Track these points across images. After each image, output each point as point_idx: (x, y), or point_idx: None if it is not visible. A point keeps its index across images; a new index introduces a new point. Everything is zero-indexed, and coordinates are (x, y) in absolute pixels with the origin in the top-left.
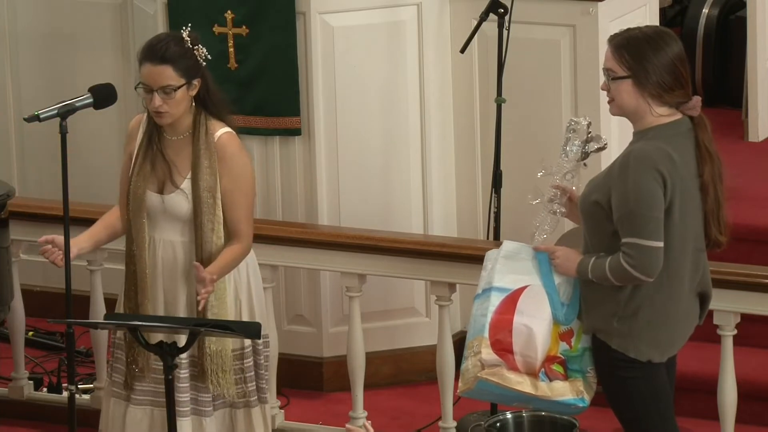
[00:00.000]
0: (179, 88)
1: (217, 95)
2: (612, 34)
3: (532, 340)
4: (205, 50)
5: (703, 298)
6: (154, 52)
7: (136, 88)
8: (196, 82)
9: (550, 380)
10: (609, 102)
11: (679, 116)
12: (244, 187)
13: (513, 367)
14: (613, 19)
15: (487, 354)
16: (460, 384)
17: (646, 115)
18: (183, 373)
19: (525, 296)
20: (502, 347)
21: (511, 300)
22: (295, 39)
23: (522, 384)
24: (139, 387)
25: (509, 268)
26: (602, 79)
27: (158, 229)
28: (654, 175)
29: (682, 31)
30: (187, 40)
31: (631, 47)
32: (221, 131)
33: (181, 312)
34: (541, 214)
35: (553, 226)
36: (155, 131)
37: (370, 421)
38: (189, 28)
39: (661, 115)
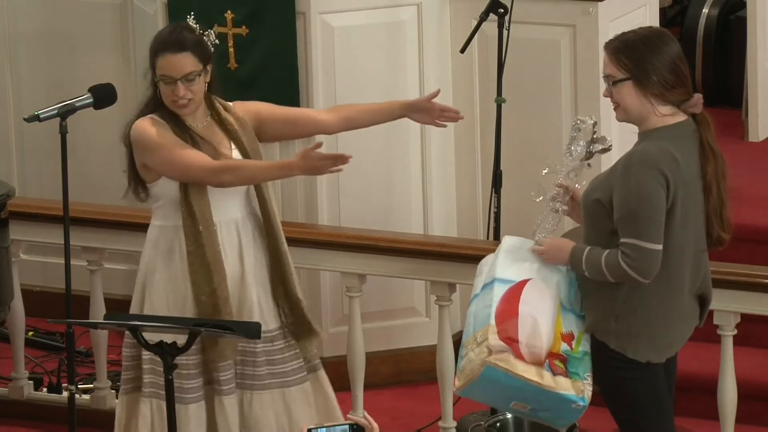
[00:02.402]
0: (200, 74)
1: (216, 79)
2: (607, 41)
3: (537, 330)
4: (213, 35)
5: (703, 301)
6: (173, 42)
7: (155, 82)
8: (209, 67)
9: (554, 374)
10: (615, 108)
11: (683, 117)
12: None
13: (519, 356)
14: (613, 19)
15: (495, 340)
16: (457, 380)
17: (650, 116)
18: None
19: (528, 288)
20: (508, 335)
21: (516, 290)
22: (295, 39)
23: (528, 372)
24: (224, 377)
25: (511, 261)
26: (602, 79)
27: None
28: (656, 176)
29: (682, 31)
30: (195, 27)
31: (627, 50)
32: (231, 103)
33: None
34: (542, 212)
35: (555, 224)
36: (179, 121)
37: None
38: (192, 16)
39: (665, 114)
